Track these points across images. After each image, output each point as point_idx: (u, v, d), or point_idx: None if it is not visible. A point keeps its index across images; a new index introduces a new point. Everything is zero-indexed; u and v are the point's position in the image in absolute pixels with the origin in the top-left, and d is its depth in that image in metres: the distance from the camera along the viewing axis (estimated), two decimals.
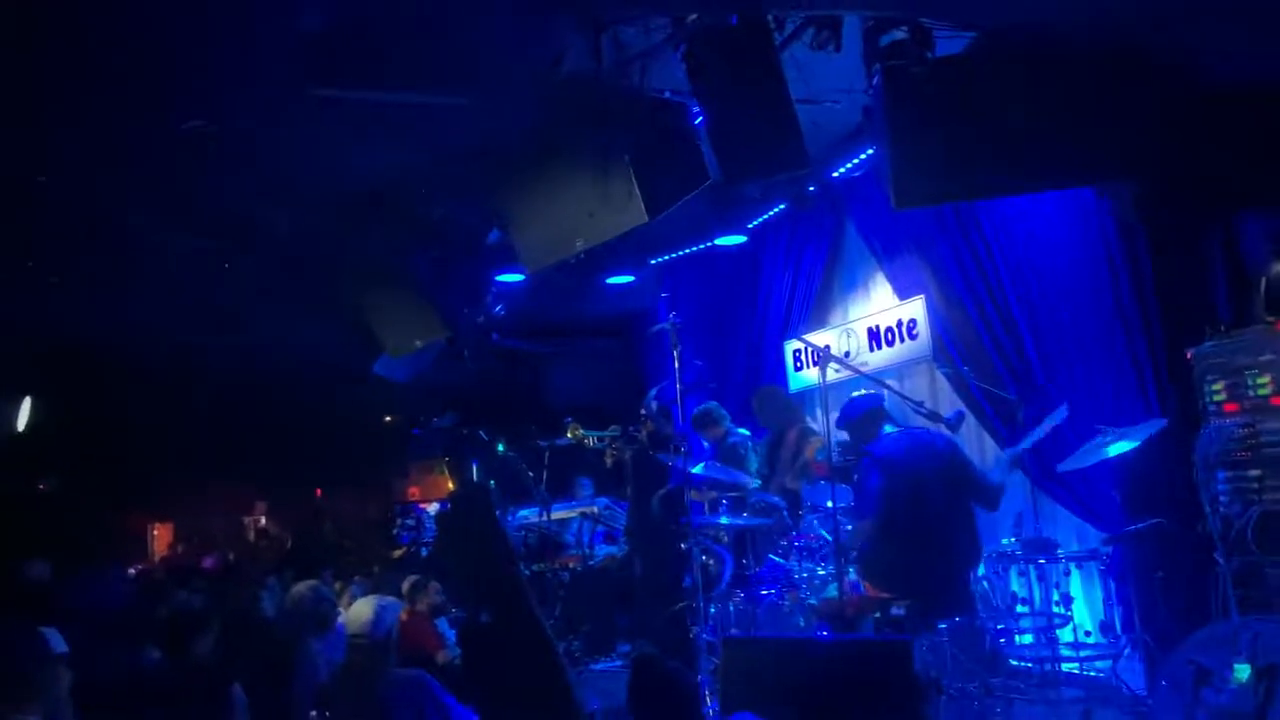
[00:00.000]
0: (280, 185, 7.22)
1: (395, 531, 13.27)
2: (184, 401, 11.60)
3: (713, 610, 6.01)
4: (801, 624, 5.79)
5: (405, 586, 6.84)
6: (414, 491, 15.60)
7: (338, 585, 7.88)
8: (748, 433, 7.60)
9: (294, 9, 4.95)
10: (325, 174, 7.05)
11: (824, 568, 6.04)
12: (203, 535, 15.53)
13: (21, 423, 10.19)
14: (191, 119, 5.97)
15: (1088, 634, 5.76)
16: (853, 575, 5.59)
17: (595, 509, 9.00)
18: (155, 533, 16.86)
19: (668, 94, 5.69)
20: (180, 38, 5.14)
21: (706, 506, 6.78)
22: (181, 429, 12.42)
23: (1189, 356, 4.92)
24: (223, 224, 7.65)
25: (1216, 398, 4.78)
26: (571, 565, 8.64)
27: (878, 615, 5.30)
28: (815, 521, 6.48)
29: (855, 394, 6.17)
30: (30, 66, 5.21)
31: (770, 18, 4.90)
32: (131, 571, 12.35)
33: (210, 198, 7.27)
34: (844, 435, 6.01)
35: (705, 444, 7.68)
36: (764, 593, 6.10)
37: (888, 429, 5.82)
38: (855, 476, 6.00)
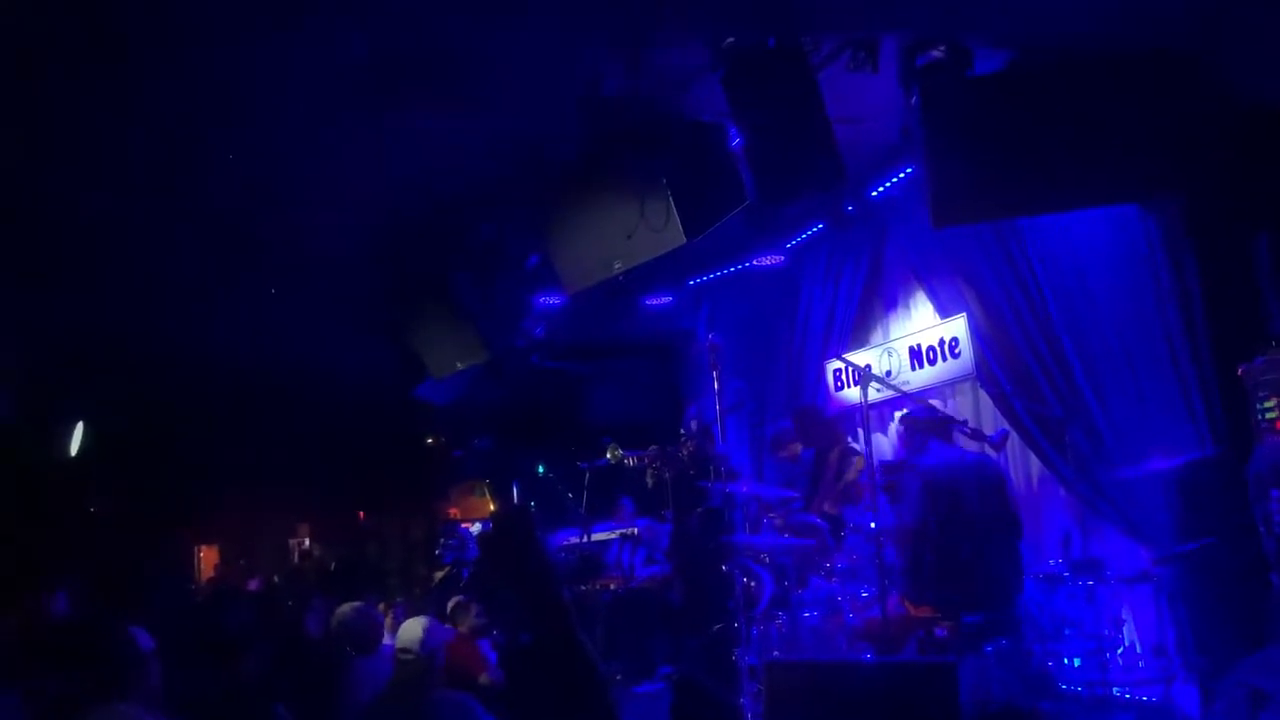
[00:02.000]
0: (323, 211, 7.37)
1: (438, 551, 13.34)
2: (229, 425, 11.78)
3: (755, 632, 5.98)
4: (844, 646, 5.73)
5: (449, 607, 6.87)
6: (454, 513, 15.67)
7: (381, 606, 7.93)
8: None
9: (337, 36, 5.07)
10: (367, 200, 7.18)
11: (866, 589, 5.98)
12: (248, 557, 15.73)
13: (74, 447, 10.40)
14: (234, 144, 6.13)
15: (1139, 657, 5.64)
16: (895, 596, 5.54)
17: (635, 530, 8.99)
18: (201, 554, 17.10)
19: (705, 116, 5.73)
20: (228, 65, 5.29)
21: (748, 526, 6.75)
22: (227, 452, 12.60)
23: (1240, 373, 4.83)
24: (267, 249, 7.80)
25: (1269, 414, 4.68)
26: (612, 586, 8.62)
27: (921, 636, 5.24)
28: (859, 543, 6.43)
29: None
30: (97, 89, 5.39)
31: (806, 41, 4.93)
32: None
33: (254, 223, 7.42)
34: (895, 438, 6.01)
35: (777, 463, 7.63)
36: (806, 615, 6.05)
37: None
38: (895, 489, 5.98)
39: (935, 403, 6.28)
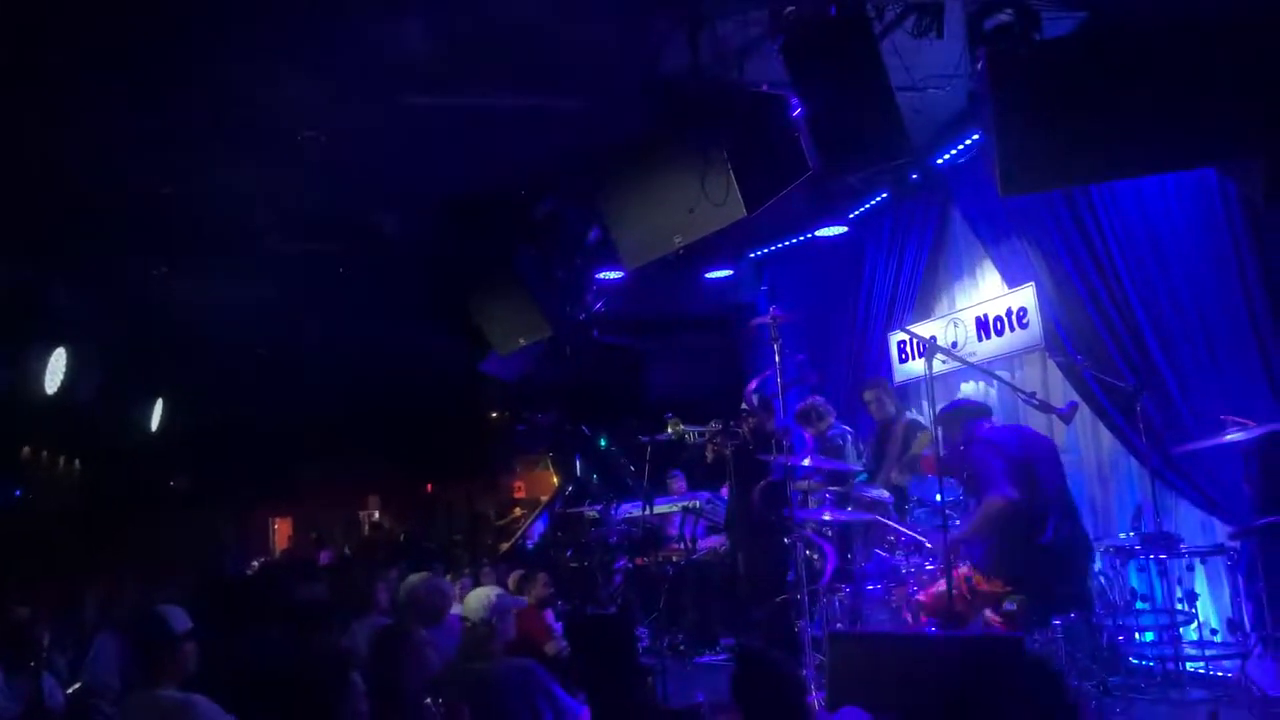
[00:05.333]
0: (389, 190, 7.48)
1: (502, 524, 13.58)
2: (303, 401, 12.08)
3: (818, 605, 5.97)
4: (909, 619, 5.70)
5: (513, 580, 6.99)
6: (519, 486, 15.90)
7: (448, 577, 8.10)
8: (850, 429, 7.47)
9: (398, 20, 5.13)
10: (431, 179, 7.26)
11: (931, 562, 5.93)
12: (320, 529, 16.18)
13: (155, 423, 10.74)
14: (305, 128, 6.24)
15: (1214, 632, 5.52)
16: (962, 569, 5.48)
17: (697, 503, 9.02)
18: (276, 526, 17.64)
19: (765, 87, 5.67)
20: (291, 49, 5.38)
21: (810, 500, 6.72)
22: (300, 427, 12.94)
23: None
24: (337, 228, 7.96)
25: None
26: (675, 559, 8.67)
27: (989, 610, 5.19)
28: (923, 516, 6.37)
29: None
30: (178, 81, 5.53)
31: (869, 6, 4.84)
32: (255, 564, 12.96)
33: (324, 203, 7.57)
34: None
35: (807, 438, 7.58)
36: (870, 587, 6.03)
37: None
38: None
39: (971, 392, 6.16)
